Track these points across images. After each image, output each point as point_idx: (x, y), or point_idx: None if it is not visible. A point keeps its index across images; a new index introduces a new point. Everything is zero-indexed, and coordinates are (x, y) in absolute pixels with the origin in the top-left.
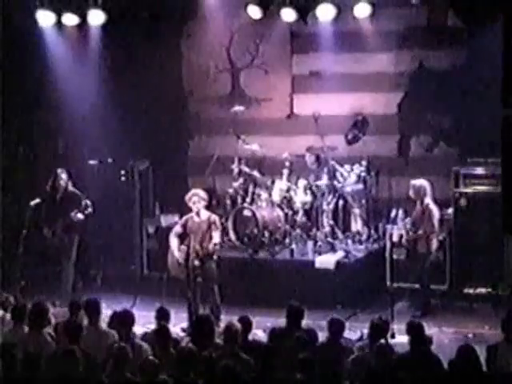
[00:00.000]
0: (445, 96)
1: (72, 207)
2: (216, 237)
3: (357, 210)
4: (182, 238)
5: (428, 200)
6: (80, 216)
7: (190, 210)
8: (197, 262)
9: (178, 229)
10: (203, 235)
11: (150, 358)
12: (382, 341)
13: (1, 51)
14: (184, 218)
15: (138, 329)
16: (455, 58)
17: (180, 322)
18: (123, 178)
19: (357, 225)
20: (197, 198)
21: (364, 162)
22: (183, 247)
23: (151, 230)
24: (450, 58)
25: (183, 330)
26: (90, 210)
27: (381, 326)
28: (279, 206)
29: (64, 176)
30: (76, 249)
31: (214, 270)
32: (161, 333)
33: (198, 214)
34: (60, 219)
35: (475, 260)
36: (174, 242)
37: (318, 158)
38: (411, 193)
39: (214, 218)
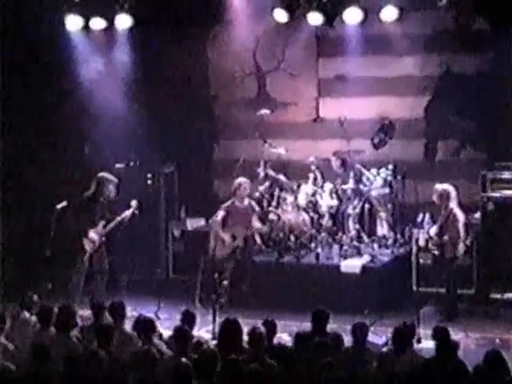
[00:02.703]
0: (472, 100)
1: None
2: (256, 221)
3: (383, 214)
4: (225, 221)
5: (452, 205)
6: (128, 214)
7: (215, 212)
8: (241, 244)
9: (222, 213)
10: (247, 219)
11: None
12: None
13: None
14: (226, 203)
15: (164, 332)
16: (482, 61)
17: (206, 325)
18: (149, 182)
19: (383, 229)
20: (246, 185)
21: (390, 166)
22: (227, 231)
23: (177, 233)
24: (476, 61)
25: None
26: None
27: (405, 331)
28: (305, 209)
29: (113, 184)
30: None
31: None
32: (179, 335)
33: (241, 200)
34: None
35: (502, 264)
36: (217, 224)
37: (344, 161)
38: (435, 197)
39: (254, 203)
